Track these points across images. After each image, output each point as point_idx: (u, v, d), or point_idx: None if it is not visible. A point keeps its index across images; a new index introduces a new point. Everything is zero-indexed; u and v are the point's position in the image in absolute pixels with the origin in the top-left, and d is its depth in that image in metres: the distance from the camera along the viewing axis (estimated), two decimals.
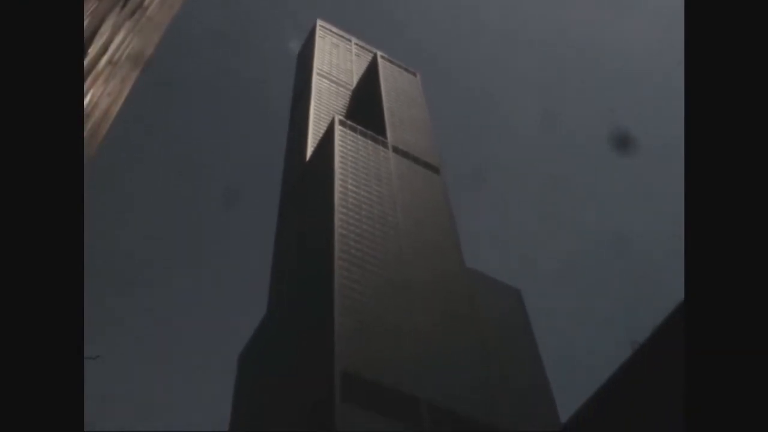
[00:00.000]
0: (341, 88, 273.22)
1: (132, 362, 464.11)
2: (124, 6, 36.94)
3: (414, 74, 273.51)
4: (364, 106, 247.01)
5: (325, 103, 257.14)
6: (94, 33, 29.40)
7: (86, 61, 29.01)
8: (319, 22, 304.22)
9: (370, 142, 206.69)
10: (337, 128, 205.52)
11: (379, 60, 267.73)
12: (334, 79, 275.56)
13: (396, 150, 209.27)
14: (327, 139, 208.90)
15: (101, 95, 36.83)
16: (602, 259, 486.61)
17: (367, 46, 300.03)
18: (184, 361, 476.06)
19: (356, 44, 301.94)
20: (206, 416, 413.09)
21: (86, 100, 31.24)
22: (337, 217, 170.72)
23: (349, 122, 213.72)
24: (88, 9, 25.89)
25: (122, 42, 39.63)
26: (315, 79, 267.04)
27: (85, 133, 30.44)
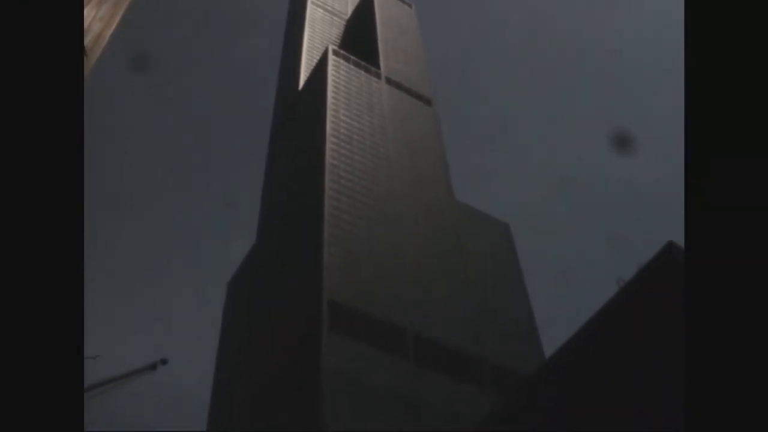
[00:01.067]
0: (335, 18, 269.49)
1: (121, 285, 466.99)
2: None
3: (410, 5, 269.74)
4: (359, 37, 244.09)
5: (319, 32, 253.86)
6: None
7: None
8: None
9: (363, 72, 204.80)
10: (331, 58, 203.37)
11: None
12: (328, 8, 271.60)
13: (389, 81, 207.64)
14: (320, 68, 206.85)
15: (93, 19, 36.31)
16: (594, 196, 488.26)
17: None
18: (173, 286, 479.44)
19: None
20: (194, 343, 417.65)
21: None
22: (329, 147, 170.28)
23: (342, 52, 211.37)
24: None
25: None
26: (309, 8, 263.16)
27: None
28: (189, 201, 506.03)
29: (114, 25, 42.51)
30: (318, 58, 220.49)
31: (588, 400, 53.20)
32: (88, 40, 35.90)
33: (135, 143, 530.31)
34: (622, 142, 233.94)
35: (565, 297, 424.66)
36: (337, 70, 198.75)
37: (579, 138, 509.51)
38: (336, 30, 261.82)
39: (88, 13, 33.97)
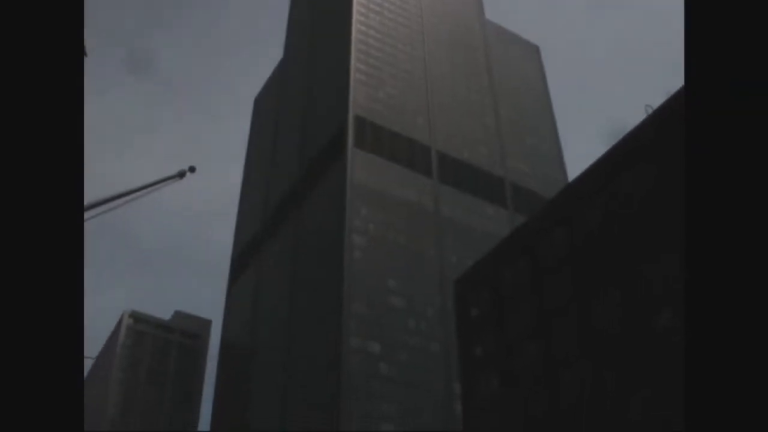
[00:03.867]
0: None
1: (150, 101, 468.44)
2: None
3: None
4: None
5: None
6: None
7: None
8: None
9: None
10: None
11: None
12: None
13: None
14: None
15: None
16: (630, 23, 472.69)
17: None
18: (203, 100, 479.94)
19: None
20: (223, 154, 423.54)
21: None
22: None
23: None
24: None
25: None
26: None
27: None
28: (214, 16, 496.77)
29: None
30: None
31: (606, 226, 54.04)
32: None
33: None
34: None
35: (591, 122, 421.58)
36: None
37: None
38: None
39: None
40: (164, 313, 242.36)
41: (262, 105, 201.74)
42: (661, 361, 44.95)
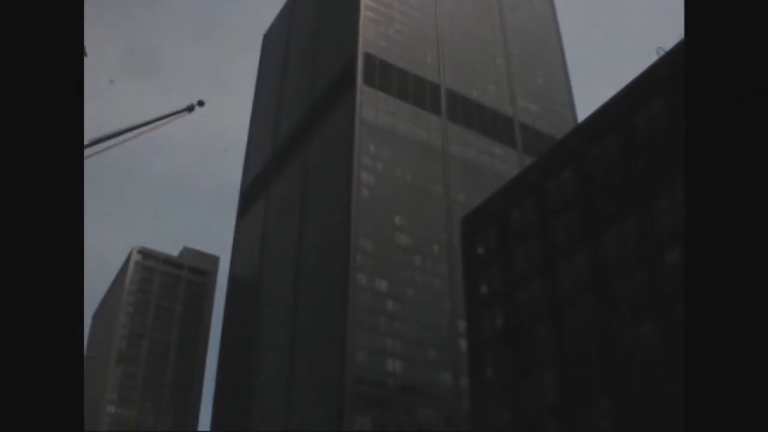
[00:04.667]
0: None
1: (157, 33, 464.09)
2: None
3: None
4: None
5: None
6: None
7: None
8: None
9: None
10: None
11: None
12: None
13: None
14: None
15: None
16: None
17: None
18: (211, 33, 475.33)
19: None
20: (232, 89, 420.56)
21: None
22: None
23: None
24: None
25: None
26: None
27: None
28: None
29: None
30: None
31: (617, 165, 53.95)
32: None
33: None
34: None
35: (603, 63, 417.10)
36: None
37: None
38: None
39: None
40: (172, 250, 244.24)
41: (271, 40, 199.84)
42: (668, 293, 45.35)
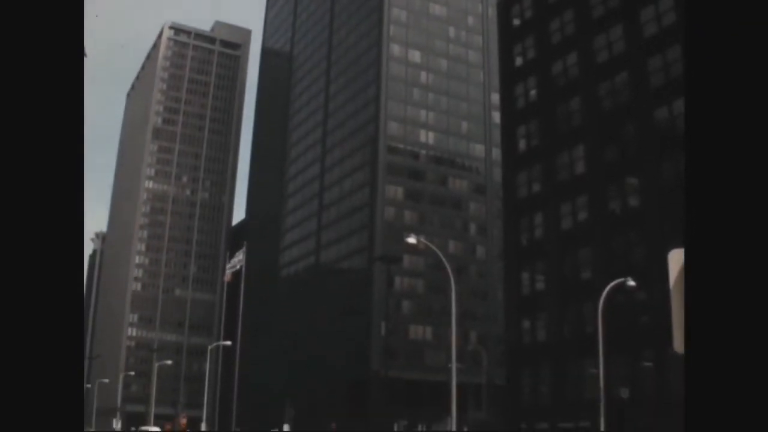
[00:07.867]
0: None
1: None
2: None
3: None
4: None
5: None
6: None
7: None
8: None
9: None
10: None
11: None
12: None
13: None
14: None
15: None
16: None
17: None
18: None
19: None
20: None
21: None
22: None
23: None
24: None
25: None
26: None
27: None
28: None
29: None
30: None
31: None
32: None
33: None
34: None
35: None
36: None
37: None
38: None
39: None
40: (204, 25, 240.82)
41: None
42: None
